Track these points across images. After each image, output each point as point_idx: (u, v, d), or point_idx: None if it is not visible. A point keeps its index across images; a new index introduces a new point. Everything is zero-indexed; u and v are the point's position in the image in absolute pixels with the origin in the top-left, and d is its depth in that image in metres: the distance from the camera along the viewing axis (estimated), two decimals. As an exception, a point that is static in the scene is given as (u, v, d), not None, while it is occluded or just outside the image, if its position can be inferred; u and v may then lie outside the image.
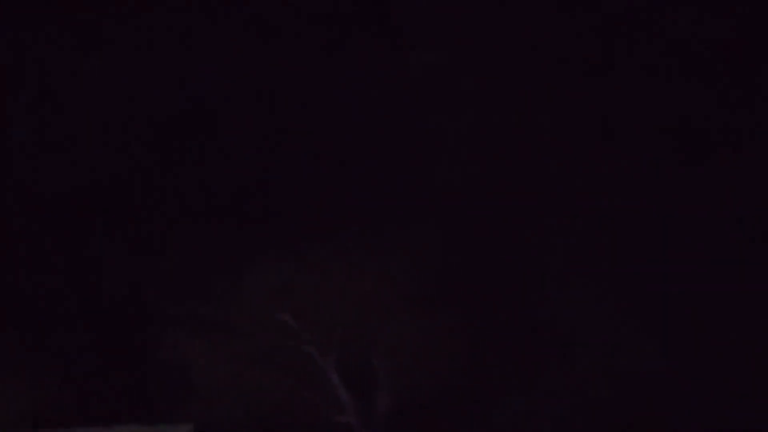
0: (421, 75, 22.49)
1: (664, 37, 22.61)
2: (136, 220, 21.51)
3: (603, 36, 22.66)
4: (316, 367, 21.93)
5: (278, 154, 22.09)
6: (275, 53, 22.25)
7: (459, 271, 21.27)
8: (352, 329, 21.83)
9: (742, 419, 20.41)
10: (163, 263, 21.57)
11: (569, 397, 21.24)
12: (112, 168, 21.47)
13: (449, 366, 21.59)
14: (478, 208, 21.56)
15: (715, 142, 22.28)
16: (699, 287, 21.07)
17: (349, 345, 21.87)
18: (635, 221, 21.65)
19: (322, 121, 22.19)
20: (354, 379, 21.91)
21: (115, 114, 21.89)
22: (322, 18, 23.02)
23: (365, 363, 22.05)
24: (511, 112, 22.26)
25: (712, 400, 20.25)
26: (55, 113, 22.53)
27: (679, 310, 21.31)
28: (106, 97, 22.31)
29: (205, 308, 21.63)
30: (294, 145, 22.30)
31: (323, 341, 21.85)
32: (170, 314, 21.60)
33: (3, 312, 21.64)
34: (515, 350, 21.21)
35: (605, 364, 21.32)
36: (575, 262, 21.29)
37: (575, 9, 22.56)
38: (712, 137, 22.33)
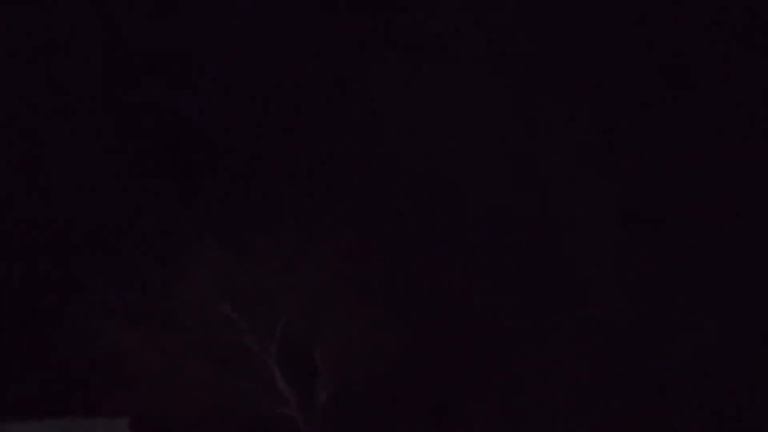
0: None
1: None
2: (73, 209, 20.91)
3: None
4: (256, 359, 21.74)
5: (220, 143, 21.76)
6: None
7: (399, 262, 21.27)
8: (293, 321, 21.72)
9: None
10: (100, 253, 21.09)
11: (509, 392, 21.59)
12: (53, 157, 20.88)
13: (388, 358, 21.68)
14: (420, 197, 21.58)
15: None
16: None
17: (289, 337, 21.79)
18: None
19: (267, 111, 21.93)
20: (294, 371, 21.83)
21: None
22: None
23: (306, 355, 22.00)
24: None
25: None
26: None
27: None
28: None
29: (142, 299, 21.24)
30: (236, 134, 22.00)
31: (264, 333, 21.64)
32: (107, 305, 21.10)
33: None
34: (455, 343, 21.39)
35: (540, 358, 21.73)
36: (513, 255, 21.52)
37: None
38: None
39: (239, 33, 22.46)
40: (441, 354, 21.29)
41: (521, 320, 21.44)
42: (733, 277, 21.36)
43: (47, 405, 20.62)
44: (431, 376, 21.28)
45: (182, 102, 21.71)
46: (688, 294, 21.35)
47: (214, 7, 22.53)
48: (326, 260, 21.53)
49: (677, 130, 22.19)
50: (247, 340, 21.55)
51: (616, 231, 22.09)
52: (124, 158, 21.78)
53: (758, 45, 22.46)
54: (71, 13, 21.88)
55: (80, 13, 22.13)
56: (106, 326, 20.95)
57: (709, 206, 21.47)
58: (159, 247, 21.30)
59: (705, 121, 22.12)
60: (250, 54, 22.51)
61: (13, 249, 21.31)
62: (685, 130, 22.07)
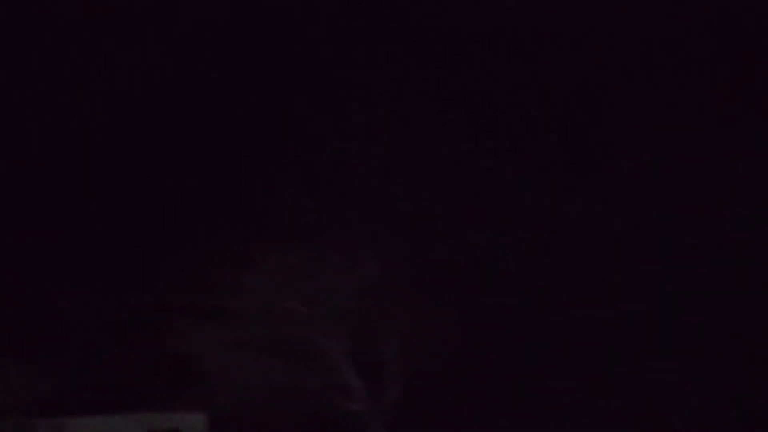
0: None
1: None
2: (143, 212, 21.69)
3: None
4: (324, 355, 22.08)
5: (282, 143, 22.20)
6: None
7: (463, 256, 21.31)
8: (360, 316, 21.95)
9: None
10: (170, 254, 21.77)
11: (573, 383, 21.32)
12: (120, 164, 21.68)
13: (454, 352, 21.68)
14: (480, 195, 21.57)
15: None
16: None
17: (356, 332, 22.03)
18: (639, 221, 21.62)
19: (326, 115, 22.26)
20: (363, 366, 22.06)
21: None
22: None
23: (373, 350, 22.19)
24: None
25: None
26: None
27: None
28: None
29: (212, 298, 21.84)
30: (297, 134, 22.40)
31: (331, 328, 21.97)
32: (179, 304, 21.80)
33: (18, 302, 21.95)
34: (521, 337, 21.27)
35: (609, 354, 21.41)
36: (580, 251, 21.31)
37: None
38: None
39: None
40: (505, 347, 21.23)
41: (577, 313, 21.17)
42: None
43: (125, 400, 21.44)
44: (496, 370, 21.23)
45: (245, 103, 22.27)
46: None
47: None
48: (389, 256, 21.75)
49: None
50: (314, 336, 21.94)
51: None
52: (181, 158, 22.39)
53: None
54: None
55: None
56: (179, 324, 21.66)
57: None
58: (227, 246, 21.88)
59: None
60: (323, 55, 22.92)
61: (89, 249, 22.20)
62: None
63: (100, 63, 22.49)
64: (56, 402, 20.84)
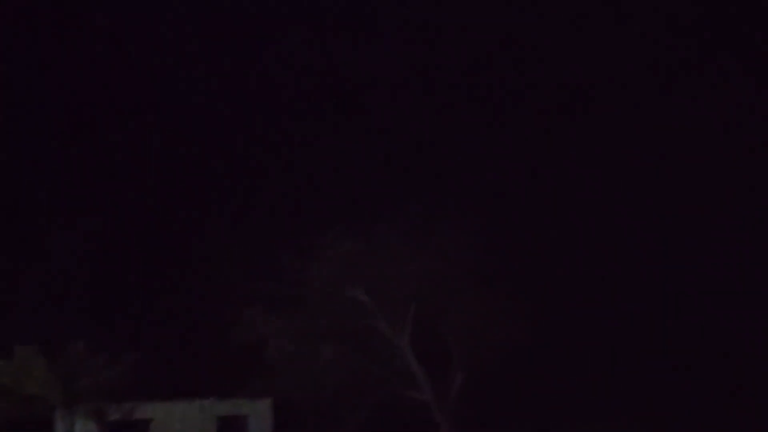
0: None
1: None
2: (211, 205, 22.07)
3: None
4: (388, 344, 22.07)
5: (345, 137, 22.33)
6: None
7: (525, 249, 21.05)
8: (423, 306, 21.89)
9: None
10: (238, 244, 22.12)
11: (641, 376, 20.83)
12: (194, 159, 22.10)
13: (518, 343, 21.44)
14: (540, 186, 21.35)
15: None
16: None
17: (421, 322, 21.97)
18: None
19: (396, 109, 22.30)
20: (427, 356, 21.98)
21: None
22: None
23: (438, 340, 22.09)
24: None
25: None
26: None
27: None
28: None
29: (277, 287, 22.05)
30: (364, 129, 22.48)
31: (395, 318, 21.96)
32: (245, 293, 22.08)
33: (92, 292, 22.55)
34: (588, 329, 20.91)
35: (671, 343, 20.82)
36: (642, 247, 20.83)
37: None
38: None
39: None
40: (572, 339, 20.93)
41: (644, 310, 20.73)
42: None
43: (195, 387, 21.88)
44: (563, 360, 20.94)
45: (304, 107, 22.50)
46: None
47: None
48: (452, 247, 21.63)
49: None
50: (379, 326, 21.95)
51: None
52: (259, 157, 22.77)
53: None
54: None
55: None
56: (247, 313, 21.95)
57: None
58: (293, 237, 22.12)
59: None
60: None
61: (161, 244, 22.66)
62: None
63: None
64: (127, 387, 21.38)
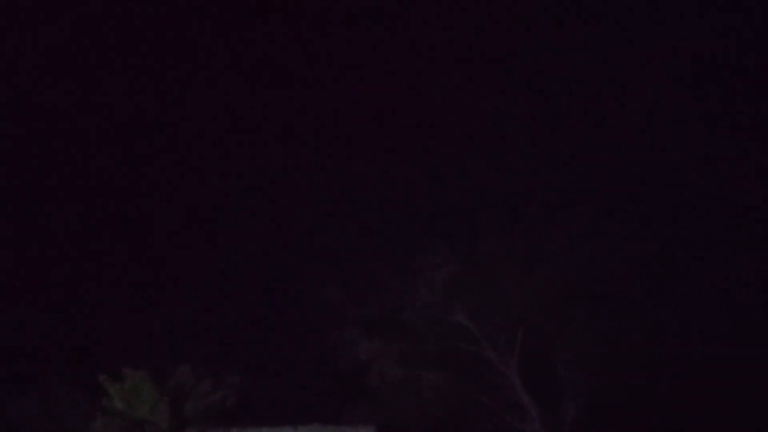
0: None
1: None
2: (316, 228, 21.65)
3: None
4: (495, 371, 21.02)
5: (449, 157, 21.30)
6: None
7: (638, 270, 19.38)
8: (532, 331, 20.67)
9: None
10: (340, 266, 21.60)
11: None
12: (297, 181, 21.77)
13: (641, 369, 19.85)
14: (662, 200, 19.58)
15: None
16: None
17: (529, 348, 20.77)
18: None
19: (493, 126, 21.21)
20: (536, 385, 20.77)
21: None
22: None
23: (548, 368, 20.83)
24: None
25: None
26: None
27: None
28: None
29: (380, 310, 21.44)
30: (462, 146, 21.43)
31: (502, 344, 20.88)
32: (349, 316, 21.60)
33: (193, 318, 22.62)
34: (710, 355, 19.04)
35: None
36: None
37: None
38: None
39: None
40: (694, 365, 19.09)
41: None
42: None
43: (298, 411, 21.59)
44: (685, 389, 19.12)
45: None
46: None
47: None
48: (561, 267, 20.28)
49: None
50: (485, 352, 20.93)
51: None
52: (362, 177, 22.16)
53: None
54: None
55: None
56: (346, 336, 21.45)
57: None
58: (396, 258, 21.36)
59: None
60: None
61: (264, 268, 22.47)
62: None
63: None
64: (232, 412, 21.36)
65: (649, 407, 19.85)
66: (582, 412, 20.59)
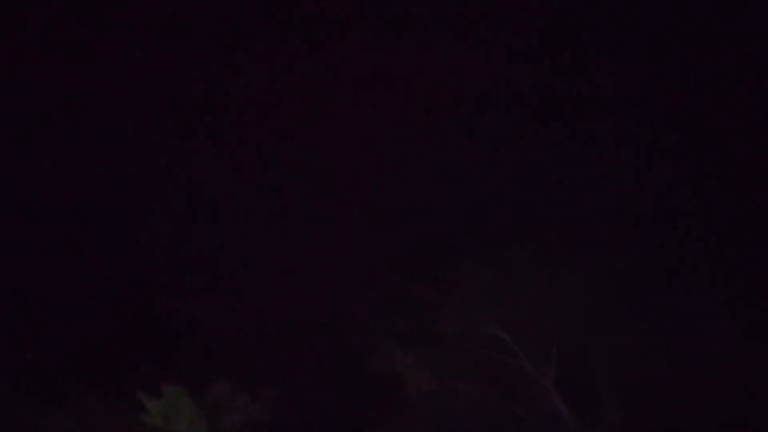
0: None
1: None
2: (350, 241, 21.57)
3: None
4: (532, 383, 20.77)
5: (485, 167, 21.09)
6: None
7: (673, 277, 18.99)
8: (568, 342, 20.40)
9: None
10: (371, 277, 21.53)
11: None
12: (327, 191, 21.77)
13: (681, 379, 19.48)
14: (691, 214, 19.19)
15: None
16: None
17: (566, 359, 20.49)
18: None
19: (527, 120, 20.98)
20: (575, 396, 20.48)
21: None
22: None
23: (586, 379, 20.53)
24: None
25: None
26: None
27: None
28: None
29: (415, 321, 21.33)
30: (498, 155, 21.19)
31: (538, 354, 20.63)
32: (380, 326, 21.52)
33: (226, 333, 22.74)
34: (750, 365, 18.58)
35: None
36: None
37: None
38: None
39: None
40: (735, 376, 18.65)
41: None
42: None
43: (333, 425, 21.54)
44: (725, 400, 18.68)
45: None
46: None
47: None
48: (597, 276, 19.99)
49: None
50: (521, 363, 20.71)
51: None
52: (395, 186, 22.09)
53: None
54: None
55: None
56: (380, 348, 21.36)
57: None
58: (427, 268, 21.24)
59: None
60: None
61: (295, 281, 22.48)
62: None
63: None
64: (268, 426, 21.43)
65: (690, 418, 19.43)
66: (620, 424, 20.34)
